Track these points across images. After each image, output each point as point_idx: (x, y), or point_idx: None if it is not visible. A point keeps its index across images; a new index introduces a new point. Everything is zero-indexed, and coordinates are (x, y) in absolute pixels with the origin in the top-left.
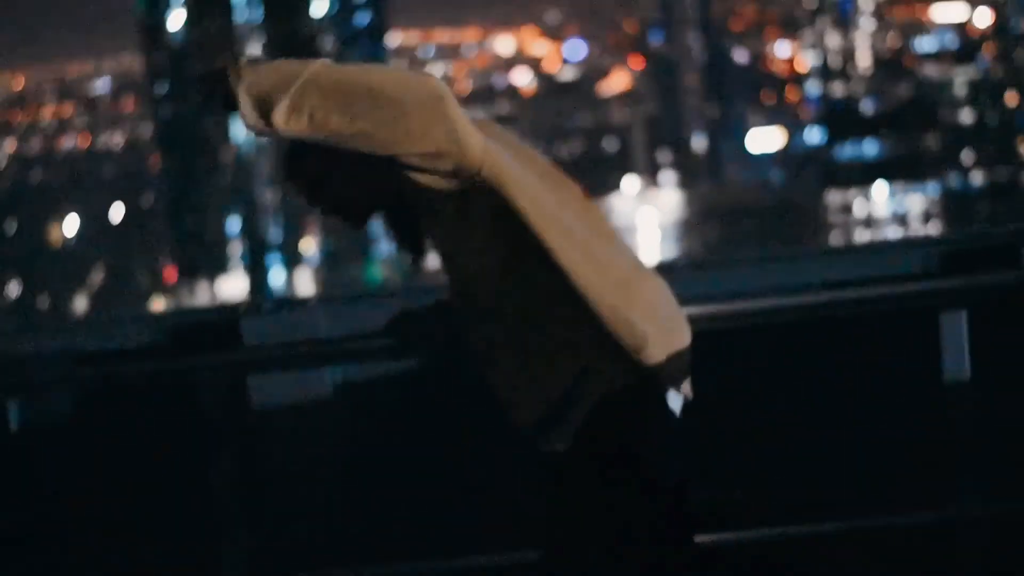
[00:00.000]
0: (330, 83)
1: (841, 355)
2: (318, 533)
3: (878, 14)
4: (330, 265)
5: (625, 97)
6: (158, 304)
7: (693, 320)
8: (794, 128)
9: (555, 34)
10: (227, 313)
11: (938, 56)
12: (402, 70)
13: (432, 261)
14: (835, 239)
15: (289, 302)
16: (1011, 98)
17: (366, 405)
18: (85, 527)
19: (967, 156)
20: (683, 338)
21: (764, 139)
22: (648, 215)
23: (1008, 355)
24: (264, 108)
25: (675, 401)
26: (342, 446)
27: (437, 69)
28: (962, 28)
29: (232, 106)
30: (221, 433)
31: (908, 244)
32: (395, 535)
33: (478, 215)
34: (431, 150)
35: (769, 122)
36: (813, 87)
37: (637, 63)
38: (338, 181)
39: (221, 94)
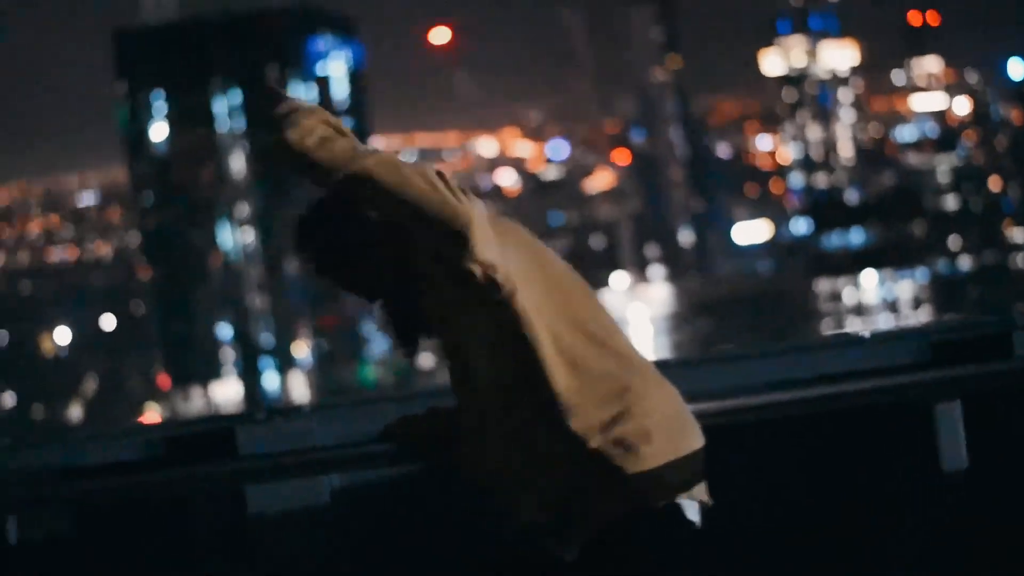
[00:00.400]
0: (384, 179)
1: (835, 447)
2: None
3: (857, 105)
4: (323, 367)
5: (610, 194)
6: (153, 411)
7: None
8: (780, 219)
9: (537, 135)
10: (222, 423)
11: (919, 145)
12: (444, 191)
13: (426, 360)
14: (826, 327)
15: (283, 411)
16: (994, 183)
17: (365, 512)
18: None
19: (954, 241)
20: (687, 444)
21: (750, 231)
22: (639, 309)
23: (1005, 443)
24: (304, 163)
25: (692, 510)
26: (341, 554)
27: None
28: (942, 116)
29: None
30: (219, 544)
31: (899, 335)
32: None
33: (477, 304)
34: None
35: (754, 214)
36: (796, 178)
37: (621, 160)
38: (348, 251)
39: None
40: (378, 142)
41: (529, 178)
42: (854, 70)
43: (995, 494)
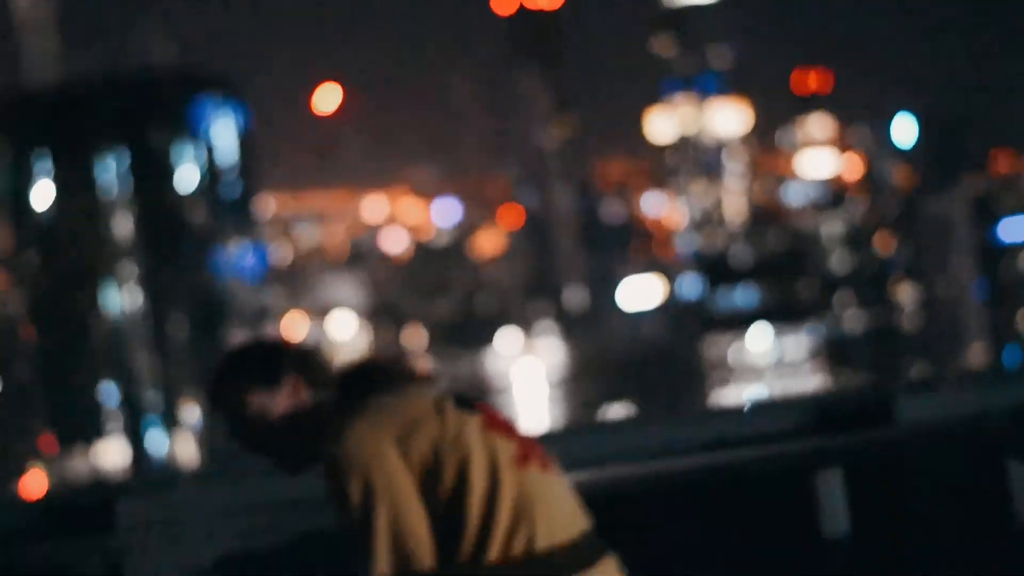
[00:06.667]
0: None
1: (719, 515)
2: None
3: (748, 165)
4: (213, 429)
5: (500, 257)
6: (38, 473)
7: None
8: (670, 281)
9: (427, 194)
10: (102, 494)
11: (810, 204)
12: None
13: None
14: (716, 389)
15: (164, 479)
16: (882, 243)
17: None
18: None
19: (843, 301)
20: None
21: (640, 292)
22: (527, 374)
23: (885, 511)
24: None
25: None
26: None
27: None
28: (831, 176)
29: None
30: None
31: (783, 404)
32: None
33: None
34: None
35: (645, 276)
36: (686, 240)
37: (511, 221)
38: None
39: None
40: (267, 201)
41: (419, 246)
42: (745, 130)
43: (876, 561)
